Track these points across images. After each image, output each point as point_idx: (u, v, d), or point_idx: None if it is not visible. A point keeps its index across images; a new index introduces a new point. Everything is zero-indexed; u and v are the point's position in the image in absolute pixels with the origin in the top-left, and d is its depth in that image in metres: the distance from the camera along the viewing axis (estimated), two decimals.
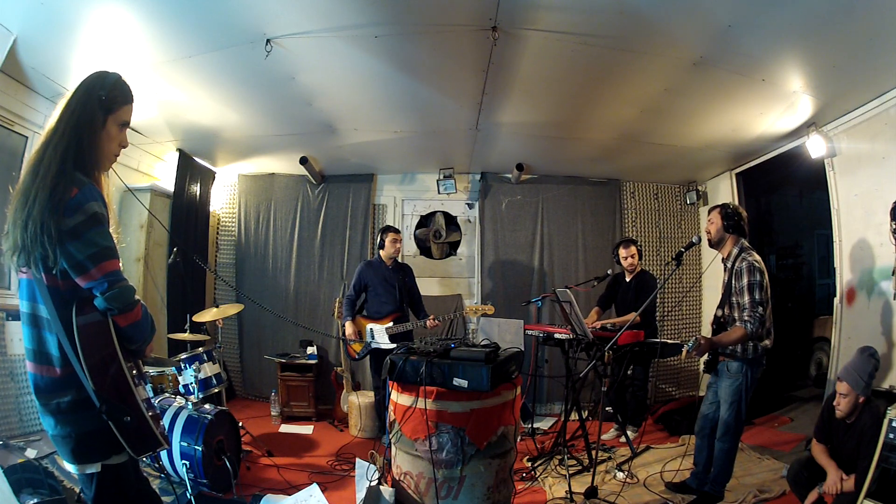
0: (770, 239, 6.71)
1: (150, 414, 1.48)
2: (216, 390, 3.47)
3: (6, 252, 1.40)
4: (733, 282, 2.75)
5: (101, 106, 1.48)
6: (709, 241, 2.95)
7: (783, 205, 6.87)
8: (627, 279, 4.33)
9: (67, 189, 1.36)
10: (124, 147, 1.59)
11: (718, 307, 2.89)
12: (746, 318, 2.63)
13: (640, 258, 4.34)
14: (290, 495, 2.92)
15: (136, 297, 1.48)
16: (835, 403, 2.46)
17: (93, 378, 1.36)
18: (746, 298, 2.66)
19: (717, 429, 2.84)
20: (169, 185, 4.72)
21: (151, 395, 1.64)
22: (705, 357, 2.88)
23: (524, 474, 3.33)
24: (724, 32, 2.74)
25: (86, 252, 1.36)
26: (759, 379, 2.81)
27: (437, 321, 3.98)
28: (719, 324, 2.87)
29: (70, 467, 1.46)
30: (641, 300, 3.99)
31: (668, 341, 3.63)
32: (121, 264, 1.48)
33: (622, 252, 4.31)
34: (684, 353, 2.65)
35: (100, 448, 1.42)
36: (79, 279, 1.38)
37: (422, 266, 5.38)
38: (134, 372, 1.49)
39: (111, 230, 1.46)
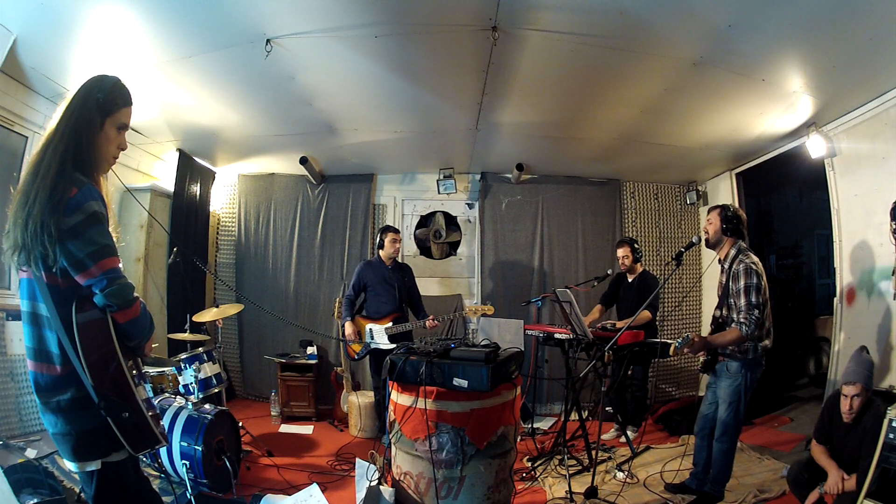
0: (770, 239, 6.71)
1: (150, 413, 1.49)
2: (216, 390, 3.46)
3: (7, 250, 1.41)
4: (730, 284, 2.75)
5: (99, 108, 1.50)
6: (706, 241, 2.94)
7: (783, 205, 6.88)
8: (629, 279, 4.33)
9: (67, 189, 1.38)
10: (123, 149, 1.61)
11: (717, 308, 2.90)
12: (742, 320, 2.63)
13: (636, 260, 4.27)
14: (290, 495, 2.92)
15: (136, 294, 1.49)
16: (845, 409, 2.43)
17: (92, 375, 1.37)
18: (743, 301, 2.66)
19: (716, 429, 2.84)
20: (169, 185, 4.72)
21: (151, 394, 1.66)
22: (703, 357, 2.89)
23: (524, 474, 3.33)
24: (724, 32, 2.74)
25: (86, 250, 1.37)
26: (759, 379, 2.80)
27: (436, 321, 3.98)
28: (718, 324, 2.87)
29: (70, 465, 1.47)
30: (643, 301, 4.00)
31: (668, 341, 3.63)
32: (121, 264, 1.49)
33: (618, 251, 4.34)
34: (672, 349, 2.64)
35: (100, 446, 1.43)
36: (78, 277, 1.39)
37: (422, 266, 5.38)
38: (134, 371, 1.50)
39: (111, 229, 1.47)
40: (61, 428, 1.42)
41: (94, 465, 1.44)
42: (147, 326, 1.53)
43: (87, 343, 1.38)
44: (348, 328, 3.99)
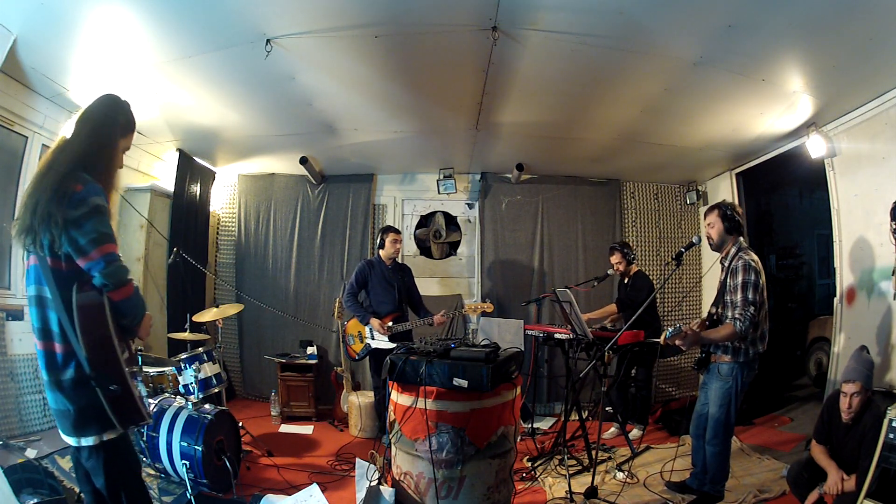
0: (770, 239, 6.71)
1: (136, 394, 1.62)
2: (216, 390, 3.46)
3: (16, 233, 1.58)
4: (728, 279, 2.74)
5: (122, 129, 1.74)
6: (710, 245, 2.92)
7: (783, 205, 6.87)
8: (625, 281, 4.35)
9: (73, 185, 1.54)
10: (120, 168, 1.80)
11: (713, 304, 2.89)
12: (737, 316, 2.61)
13: (629, 262, 4.26)
14: (290, 495, 2.92)
15: (130, 277, 1.63)
16: (844, 407, 2.42)
17: (87, 349, 1.51)
18: (739, 297, 2.64)
19: (707, 431, 2.83)
20: (169, 185, 4.72)
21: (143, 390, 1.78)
22: (697, 354, 2.88)
23: (524, 474, 3.33)
24: (724, 32, 2.74)
25: (88, 237, 1.53)
26: (753, 383, 2.79)
27: (444, 317, 3.93)
28: (713, 321, 2.86)
29: (69, 440, 1.60)
30: (634, 299, 4.09)
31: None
32: (124, 261, 1.63)
33: (611, 259, 4.34)
34: (663, 338, 2.62)
35: (95, 423, 1.56)
36: (80, 261, 1.54)
37: (422, 266, 5.38)
38: (126, 355, 1.63)
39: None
40: (61, 405, 1.55)
41: (90, 440, 1.57)
42: (140, 306, 1.67)
43: (85, 321, 1.52)
44: (375, 324, 3.95)
